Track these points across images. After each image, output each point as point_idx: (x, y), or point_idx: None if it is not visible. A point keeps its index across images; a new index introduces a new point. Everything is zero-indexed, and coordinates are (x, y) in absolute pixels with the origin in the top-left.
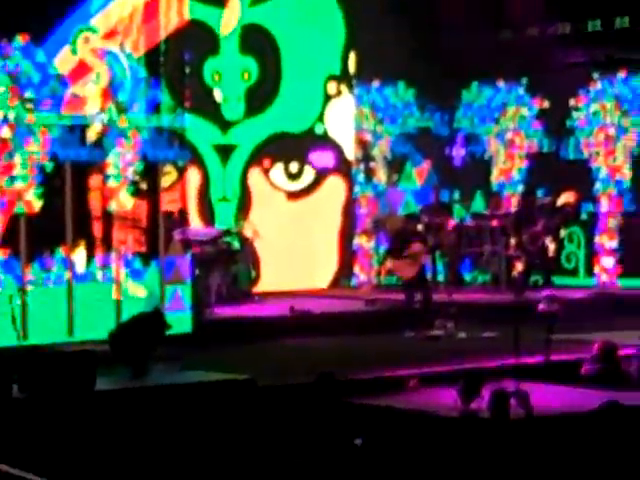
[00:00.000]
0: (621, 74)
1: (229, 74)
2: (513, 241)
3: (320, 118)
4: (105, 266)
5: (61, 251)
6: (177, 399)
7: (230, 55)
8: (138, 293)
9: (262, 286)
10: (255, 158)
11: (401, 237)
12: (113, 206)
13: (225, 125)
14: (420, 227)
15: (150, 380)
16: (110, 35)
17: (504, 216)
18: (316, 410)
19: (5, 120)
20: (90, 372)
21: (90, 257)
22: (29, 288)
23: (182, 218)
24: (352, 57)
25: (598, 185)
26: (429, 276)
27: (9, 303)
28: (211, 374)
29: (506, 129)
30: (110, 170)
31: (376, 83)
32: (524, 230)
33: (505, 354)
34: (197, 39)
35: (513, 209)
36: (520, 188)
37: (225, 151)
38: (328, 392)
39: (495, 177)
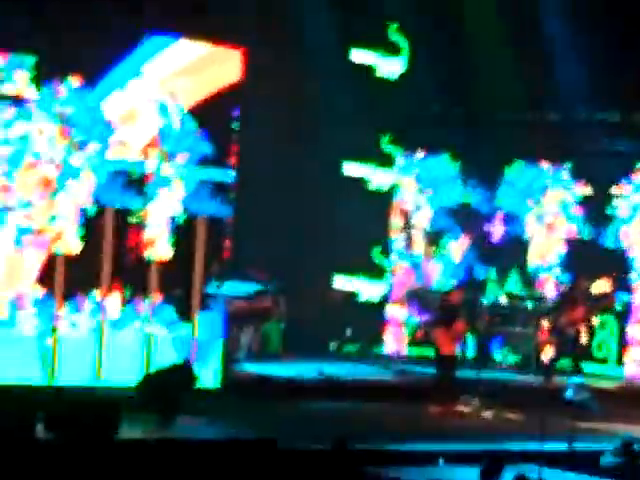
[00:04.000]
0: None
1: None
2: (546, 324)
3: None
4: (139, 313)
5: (96, 294)
6: (199, 454)
7: None
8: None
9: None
10: None
11: (450, 311)
12: (152, 254)
13: None
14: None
15: (174, 432)
16: (162, 84)
17: (538, 298)
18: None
19: (51, 160)
20: (113, 423)
21: (125, 303)
22: (61, 328)
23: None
24: None
25: (634, 275)
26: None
27: (40, 342)
28: (234, 431)
29: (547, 212)
30: (151, 219)
31: (420, 154)
32: (564, 314)
33: (529, 438)
34: None
35: (548, 292)
36: (556, 271)
37: None
38: (342, 460)
39: (532, 259)
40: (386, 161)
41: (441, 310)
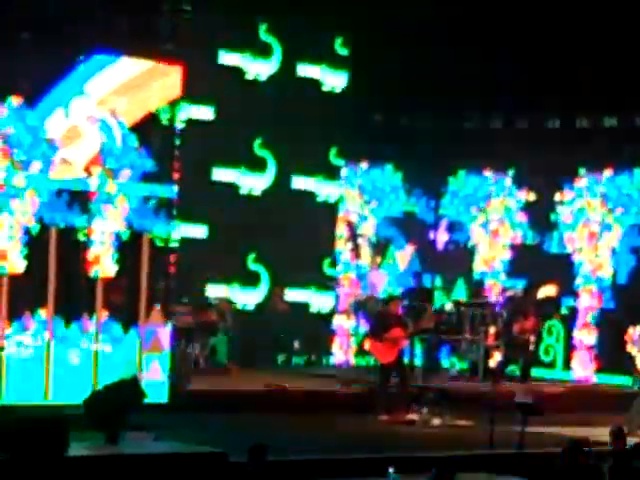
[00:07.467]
0: (607, 172)
1: None
2: (492, 330)
3: None
4: (85, 330)
5: (41, 313)
6: (148, 469)
7: None
8: (116, 360)
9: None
10: None
11: (382, 320)
12: (97, 271)
13: None
14: (401, 311)
15: (122, 448)
16: (103, 102)
17: (485, 305)
18: None
19: None
20: (62, 438)
21: (71, 321)
22: (7, 347)
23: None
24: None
25: (579, 280)
26: (407, 360)
27: None
28: (184, 445)
29: (491, 219)
30: (95, 236)
31: (364, 165)
32: (516, 323)
33: (478, 444)
34: None
35: (493, 298)
36: (501, 277)
37: None
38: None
39: (477, 266)
40: (333, 174)
41: (374, 319)
